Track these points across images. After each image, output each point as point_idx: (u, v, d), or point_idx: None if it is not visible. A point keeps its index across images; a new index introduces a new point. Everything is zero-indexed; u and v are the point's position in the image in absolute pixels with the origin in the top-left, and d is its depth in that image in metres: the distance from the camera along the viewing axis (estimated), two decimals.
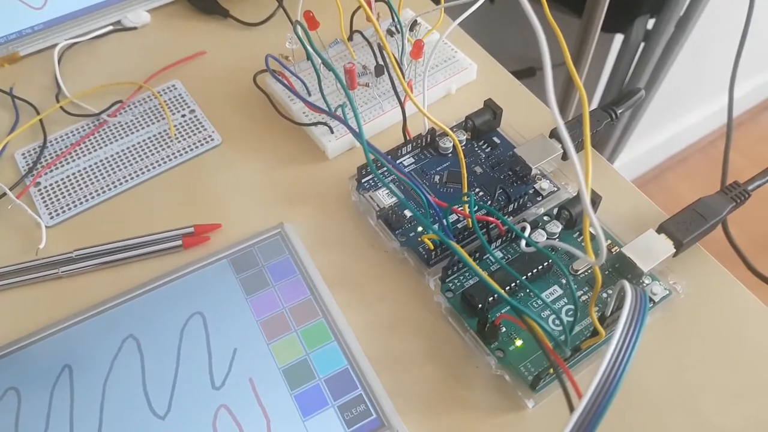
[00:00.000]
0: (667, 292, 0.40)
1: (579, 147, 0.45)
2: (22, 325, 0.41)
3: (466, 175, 0.40)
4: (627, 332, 0.29)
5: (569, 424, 0.26)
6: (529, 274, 0.39)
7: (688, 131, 1.51)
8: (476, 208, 0.40)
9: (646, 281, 0.40)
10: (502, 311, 0.39)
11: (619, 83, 0.98)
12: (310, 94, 0.50)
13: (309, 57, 0.46)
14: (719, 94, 1.41)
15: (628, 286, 0.30)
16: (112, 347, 0.40)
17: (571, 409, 0.29)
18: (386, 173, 0.45)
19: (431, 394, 0.38)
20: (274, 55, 0.47)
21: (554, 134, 0.45)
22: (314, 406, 0.37)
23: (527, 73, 1.03)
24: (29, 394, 0.38)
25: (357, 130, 0.37)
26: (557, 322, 0.39)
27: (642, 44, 0.93)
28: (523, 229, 0.40)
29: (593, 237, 0.41)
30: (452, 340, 0.40)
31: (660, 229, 0.41)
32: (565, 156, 0.45)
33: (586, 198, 0.27)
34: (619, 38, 0.95)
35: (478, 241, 0.42)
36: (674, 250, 0.40)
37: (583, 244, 0.41)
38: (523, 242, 0.38)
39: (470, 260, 0.34)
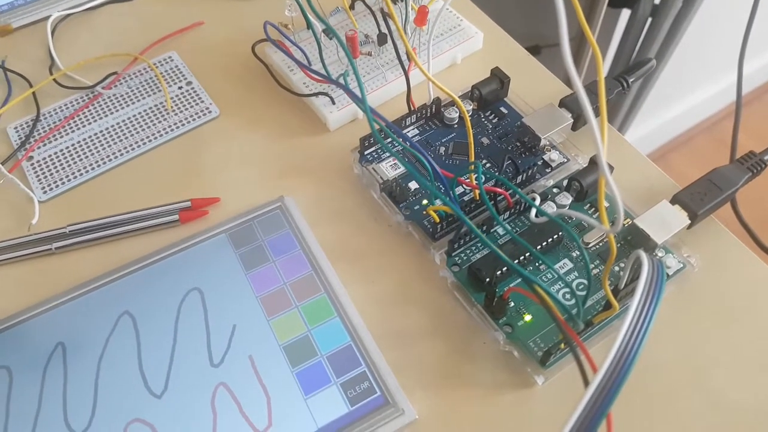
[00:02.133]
0: (681, 265, 0.38)
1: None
2: (14, 302, 0.40)
3: (473, 145, 0.39)
4: (644, 303, 0.27)
5: (584, 398, 0.25)
6: (539, 247, 0.38)
7: (692, 111, 1.49)
8: (483, 178, 0.39)
9: (660, 254, 0.39)
10: (511, 285, 0.37)
11: (626, 59, 0.96)
12: (310, 64, 0.48)
13: (309, 25, 0.45)
14: (725, 72, 1.39)
15: (644, 256, 0.28)
16: (107, 324, 0.38)
17: (586, 383, 0.27)
18: (391, 143, 0.43)
19: (437, 370, 0.37)
20: (273, 22, 0.45)
21: (563, 103, 0.44)
22: (316, 383, 0.36)
23: (532, 51, 1.01)
24: (21, 373, 0.37)
25: (360, 98, 0.36)
26: (568, 295, 0.37)
27: (649, 19, 0.91)
28: (533, 199, 0.38)
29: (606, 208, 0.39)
30: (458, 315, 0.38)
31: (674, 200, 0.39)
32: (575, 126, 0.44)
33: (604, 161, 0.26)
34: (626, 13, 0.94)
35: (485, 214, 0.40)
36: (689, 222, 0.38)
37: (595, 216, 0.40)
38: (533, 213, 0.37)
39: (478, 231, 0.32)
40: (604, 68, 1.02)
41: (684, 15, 0.91)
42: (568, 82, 0.82)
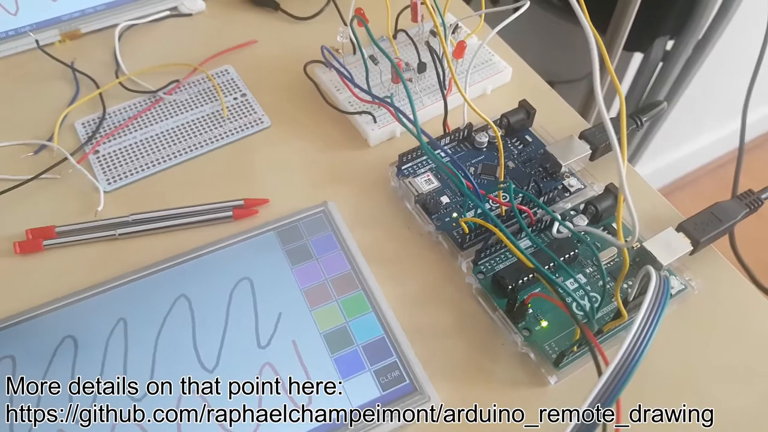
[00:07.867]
0: (683, 286, 0.43)
1: (605, 150, 0.49)
2: (79, 280, 0.44)
3: (503, 164, 0.44)
4: (651, 309, 0.32)
5: (599, 383, 0.30)
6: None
7: (698, 153, 1.54)
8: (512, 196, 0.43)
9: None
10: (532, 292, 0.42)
11: (636, 100, 1.01)
12: (355, 86, 0.53)
13: (359, 50, 0.50)
14: (731, 118, 1.45)
15: (652, 270, 0.33)
16: (165, 304, 0.43)
17: (599, 372, 0.32)
18: (425, 160, 0.48)
19: (460, 365, 0.41)
20: (328, 47, 0.50)
21: (583, 136, 0.49)
22: (352, 368, 0.40)
23: None
24: (85, 342, 0.41)
25: (410, 118, 0.40)
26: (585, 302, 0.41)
27: (660, 64, 0.97)
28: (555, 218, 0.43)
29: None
30: (481, 318, 0.43)
31: (679, 228, 0.44)
32: (592, 156, 0.48)
33: (624, 181, 0.31)
34: (638, 57, 0.99)
35: (511, 228, 0.45)
36: (691, 248, 0.43)
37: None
38: (554, 229, 0.41)
39: (512, 237, 0.37)
40: (614, 108, 1.07)
41: (693, 61, 0.96)
42: (583, 115, 0.87)
